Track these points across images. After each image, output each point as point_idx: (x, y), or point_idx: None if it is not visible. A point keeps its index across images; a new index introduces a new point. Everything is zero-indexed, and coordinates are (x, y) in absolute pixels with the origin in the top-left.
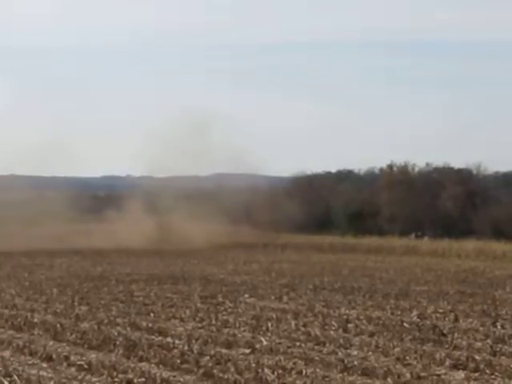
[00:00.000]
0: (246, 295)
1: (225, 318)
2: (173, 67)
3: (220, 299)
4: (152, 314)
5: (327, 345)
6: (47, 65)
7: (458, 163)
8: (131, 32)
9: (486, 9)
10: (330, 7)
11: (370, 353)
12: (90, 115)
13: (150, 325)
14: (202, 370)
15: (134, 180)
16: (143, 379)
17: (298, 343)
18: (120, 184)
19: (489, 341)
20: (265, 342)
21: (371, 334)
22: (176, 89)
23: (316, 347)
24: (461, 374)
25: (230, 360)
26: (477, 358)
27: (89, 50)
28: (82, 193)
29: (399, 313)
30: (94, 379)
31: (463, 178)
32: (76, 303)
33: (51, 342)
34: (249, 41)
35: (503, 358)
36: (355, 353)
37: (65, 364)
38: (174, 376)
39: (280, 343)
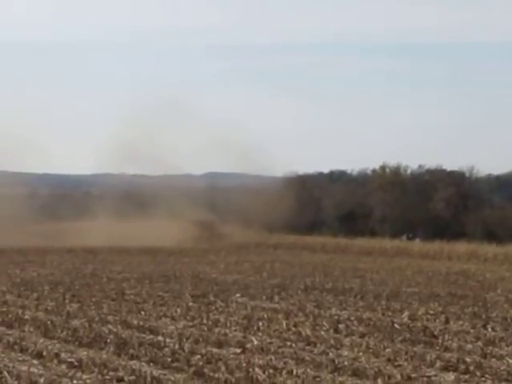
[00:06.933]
0: (238, 295)
1: (216, 317)
2: (172, 66)
3: (211, 298)
4: (143, 313)
5: (318, 345)
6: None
7: (450, 165)
8: (129, 30)
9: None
10: (330, 9)
11: (361, 353)
12: (78, 112)
13: (141, 323)
14: (192, 369)
15: (127, 178)
16: (133, 377)
17: (288, 343)
18: (112, 181)
19: (479, 343)
20: (256, 342)
21: (362, 335)
22: (172, 88)
23: (307, 347)
24: (451, 376)
25: (220, 359)
26: (467, 359)
27: (84, 46)
28: (73, 190)
29: (390, 314)
30: (84, 376)
31: (456, 180)
32: (67, 300)
33: (42, 339)
34: (248, 41)
35: (493, 360)
36: (346, 353)
37: (55, 361)
38: (165, 374)
39: (271, 343)
